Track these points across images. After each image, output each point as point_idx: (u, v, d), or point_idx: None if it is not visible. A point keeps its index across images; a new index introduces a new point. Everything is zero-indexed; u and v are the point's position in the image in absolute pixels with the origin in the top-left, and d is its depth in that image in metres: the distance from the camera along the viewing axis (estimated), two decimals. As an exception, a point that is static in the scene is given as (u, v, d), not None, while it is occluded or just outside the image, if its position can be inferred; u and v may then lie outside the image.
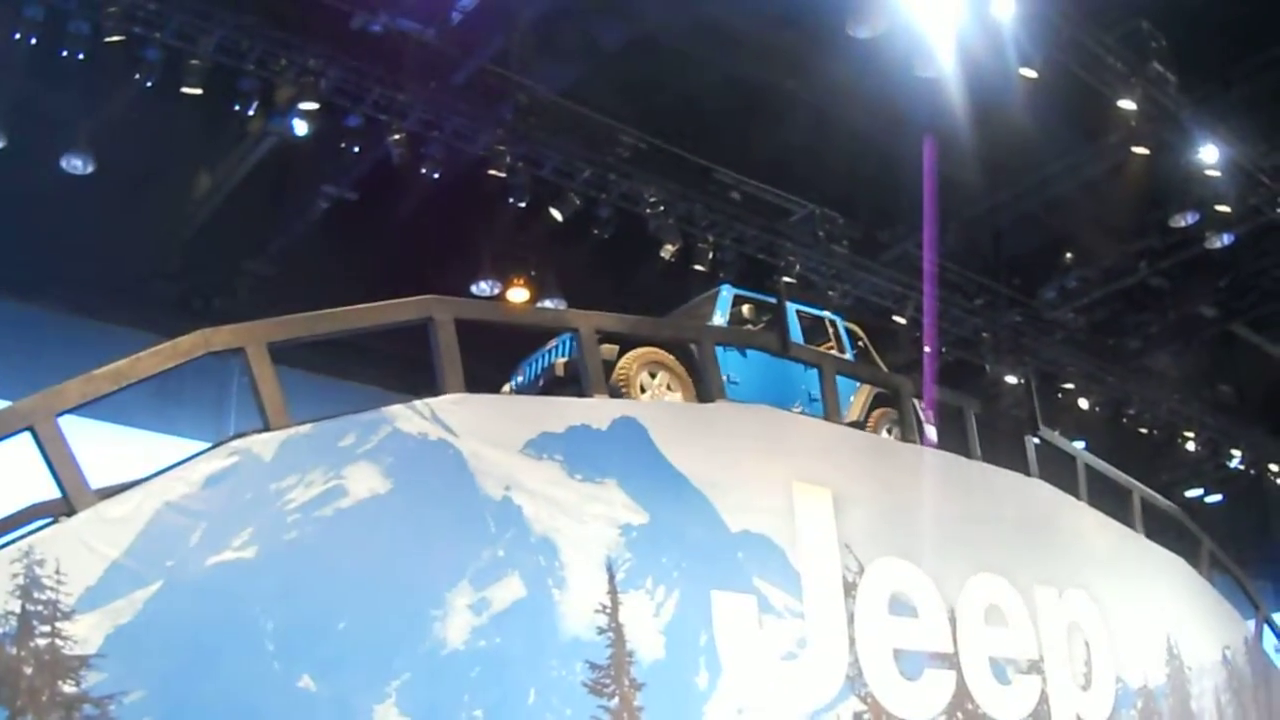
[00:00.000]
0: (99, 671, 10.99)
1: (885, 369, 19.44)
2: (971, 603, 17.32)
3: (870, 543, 16.52)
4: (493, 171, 23.33)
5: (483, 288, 25.66)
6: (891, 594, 16.51)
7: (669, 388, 16.11)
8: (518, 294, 26.09)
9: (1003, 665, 17.49)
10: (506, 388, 17.08)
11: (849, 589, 16.07)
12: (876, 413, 18.31)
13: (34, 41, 20.54)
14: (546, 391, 15.90)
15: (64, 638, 10.96)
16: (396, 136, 22.53)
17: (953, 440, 18.75)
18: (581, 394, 14.96)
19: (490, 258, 25.72)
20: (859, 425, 17.85)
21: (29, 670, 10.84)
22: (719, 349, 16.50)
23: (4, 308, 23.93)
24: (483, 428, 13.74)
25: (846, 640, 15.80)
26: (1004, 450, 19.60)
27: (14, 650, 10.81)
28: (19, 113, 22.72)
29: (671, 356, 16.26)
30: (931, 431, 18.59)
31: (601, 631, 13.80)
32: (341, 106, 22.33)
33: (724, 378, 16.32)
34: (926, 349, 27.88)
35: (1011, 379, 29.91)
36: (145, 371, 12.31)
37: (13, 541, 11.57)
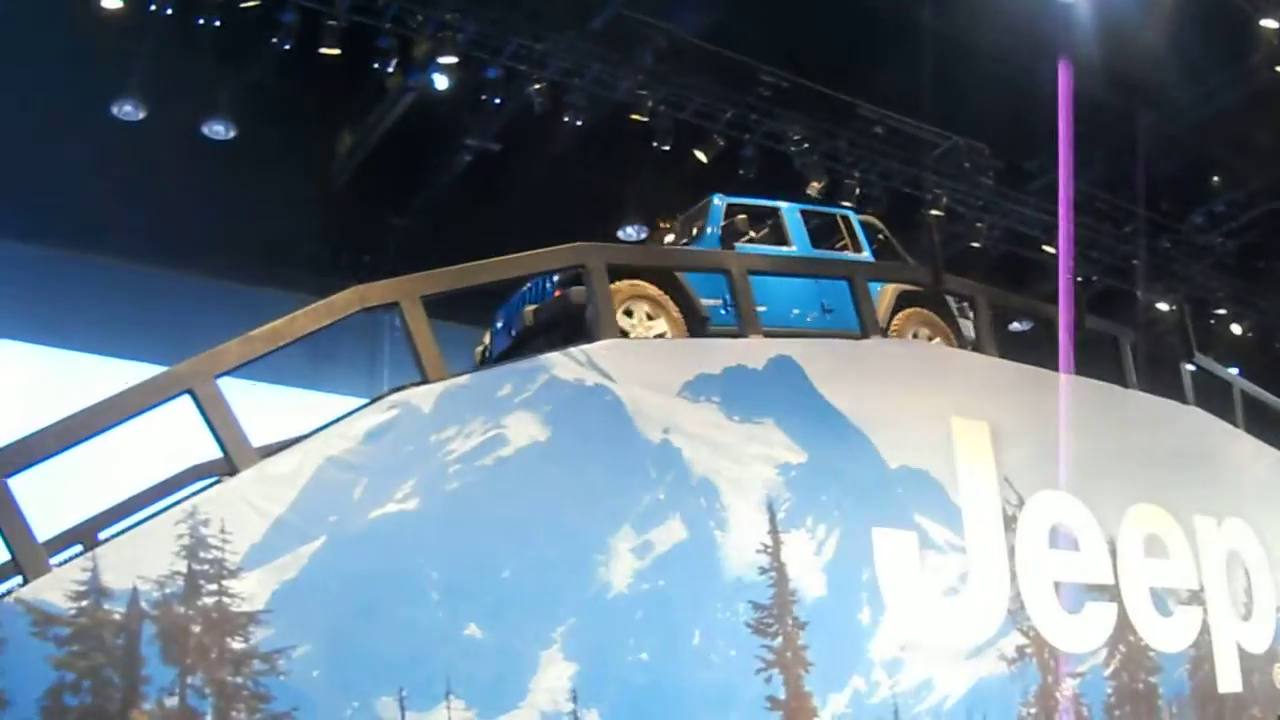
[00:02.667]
0: (266, 627, 11.21)
1: (910, 260, 18.41)
2: (1131, 534, 17.14)
3: (1029, 475, 16.38)
4: (635, 116, 23.31)
5: (629, 233, 25.56)
6: (1051, 526, 16.38)
7: (648, 316, 15.21)
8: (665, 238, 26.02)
9: (1163, 596, 17.31)
10: (480, 347, 16.84)
11: (1009, 522, 15.98)
12: (902, 314, 17.29)
13: (169, 11, 20.73)
14: (520, 345, 15.49)
15: (231, 595, 11.16)
16: (537, 86, 22.54)
17: (1105, 369, 18.41)
18: (553, 344, 14.37)
19: (635, 203, 25.66)
20: (881, 330, 16.80)
21: (197, 628, 11.04)
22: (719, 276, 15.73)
23: (155, 277, 24.24)
24: (639, 372, 13.78)
25: (1007, 574, 15.74)
26: (1157, 378, 19.28)
27: (182, 609, 11.01)
28: (158, 82, 22.95)
29: (654, 288, 15.34)
30: (967, 327, 17.81)
31: (763, 571, 13.83)
32: (480, 59, 22.36)
33: (722, 300, 15.74)
34: (1064, 276, 27.37)
35: (1164, 306, 29.43)
36: (302, 330, 12.44)
37: (176, 503, 11.76)
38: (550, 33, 22.54)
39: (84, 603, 10.76)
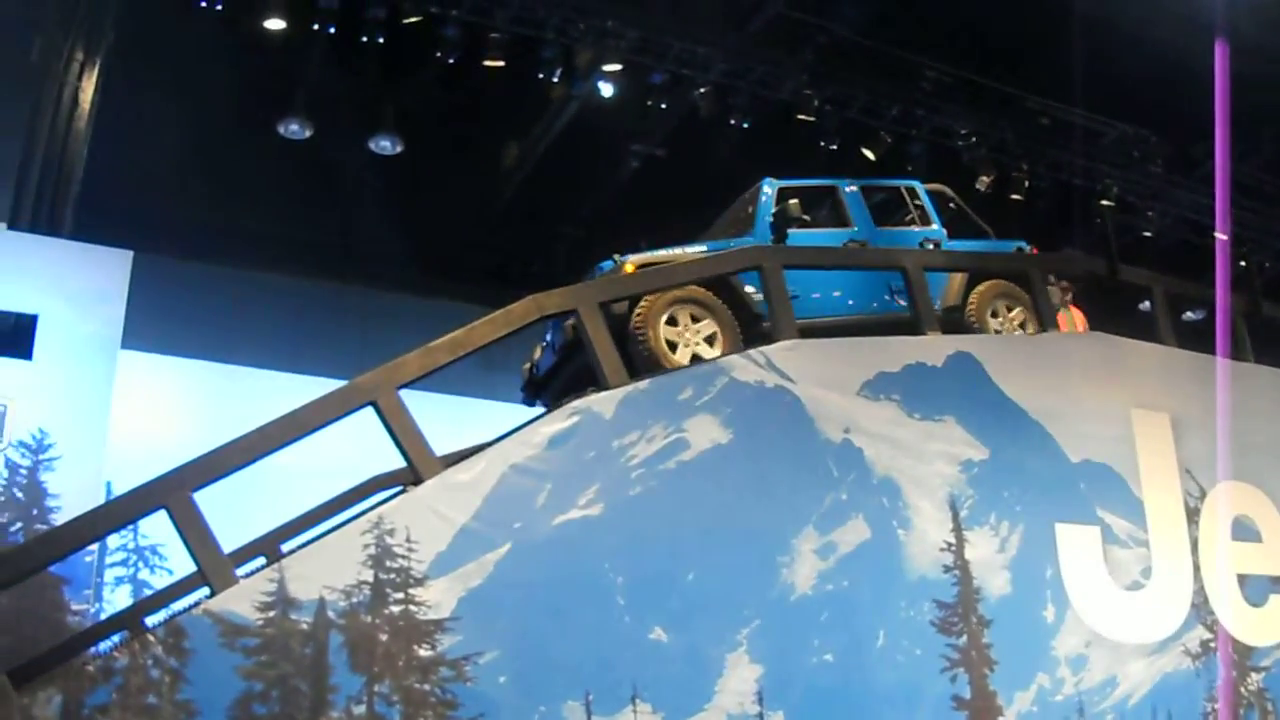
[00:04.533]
0: (453, 634, 11.26)
1: (985, 226, 17.83)
2: (1316, 525, 16.69)
3: (1210, 466, 16.00)
4: (801, 116, 23.21)
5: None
6: (1234, 518, 15.98)
7: (693, 319, 14.51)
8: (838, 237, 25.88)
9: (1352, 589, 16.84)
10: (527, 364, 16.32)
11: (1191, 515, 15.63)
12: (978, 290, 16.37)
13: (333, 30, 20.96)
14: (564, 360, 15.23)
15: (417, 603, 11.24)
16: (701, 90, 22.55)
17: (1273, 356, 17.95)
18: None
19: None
20: (957, 309, 16.19)
21: (384, 637, 11.13)
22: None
23: (328, 291, 24.54)
24: (818, 372, 13.69)
25: (1191, 567, 15.38)
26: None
27: (369, 618, 11.11)
28: (324, 101, 23.24)
29: (700, 289, 14.57)
30: (1053, 294, 16.92)
31: (947, 570, 13.68)
32: (644, 65, 22.40)
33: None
34: (1221, 261, 26.74)
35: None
36: (481, 340, 12.51)
37: (361, 513, 11.86)
38: (711, 36, 22.53)
39: (271, 613, 10.88)
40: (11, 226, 19.64)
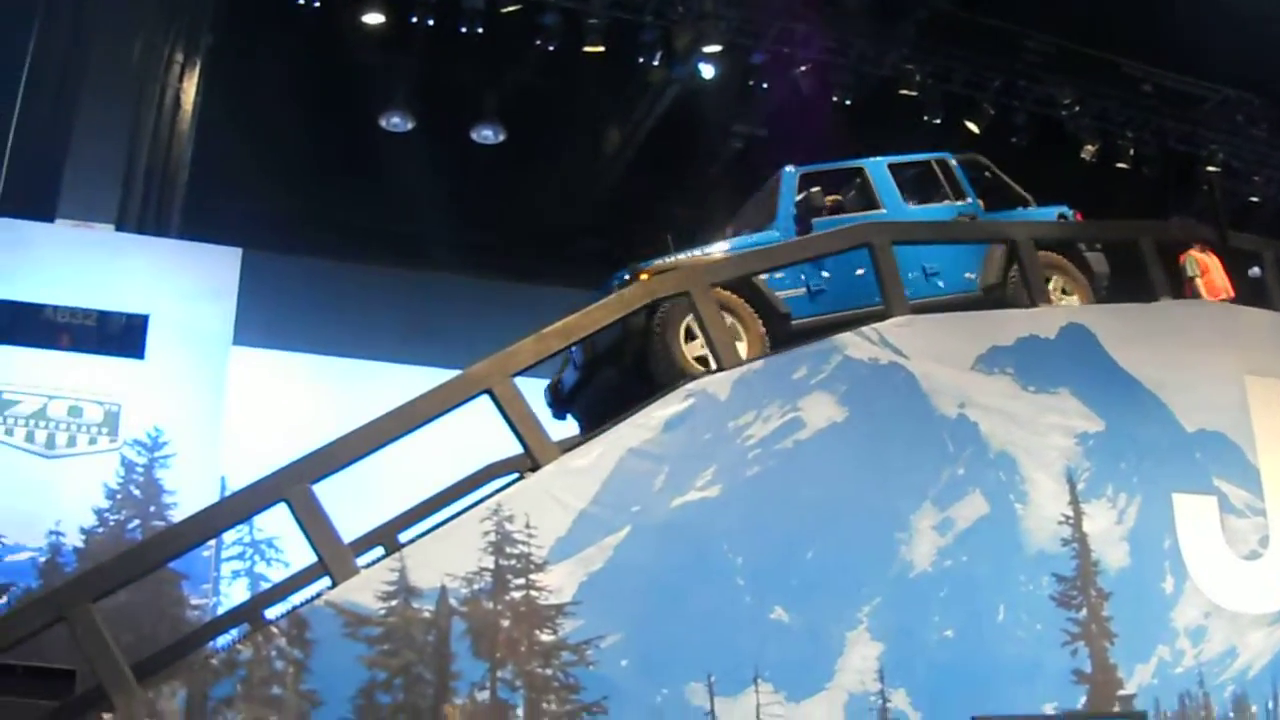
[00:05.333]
0: (574, 619, 11.30)
1: (1023, 193, 17.21)
2: None
3: (1326, 431, 15.80)
4: (903, 91, 23.11)
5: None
6: (1351, 484, 15.78)
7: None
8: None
9: None
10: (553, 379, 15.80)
11: (1308, 481, 15.42)
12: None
13: (431, 23, 21.04)
14: (588, 377, 14.86)
15: (538, 589, 11.28)
16: (802, 68, 22.48)
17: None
18: (623, 371, 14.10)
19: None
20: (997, 286, 15.62)
21: (506, 623, 11.18)
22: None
23: (437, 281, 24.63)
24: (931, 347, 13.64)
25: (1308, 536, 15.20)
26: None
27: (490, 605, 11.16)
28: (425, 93, 23.33)
29: (721, 291, 13.74)
30: (1098, 260, 16.55)
31: (1065, 543, 13.60)
32: (744, 45, 22.39)
33: (805, 289, 14.83)
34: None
35: None
36: (593, 325, 12.56)
37: (479, 501, 11.91)
38: (811, 14, 22.44)
39: (394, 602, 10.96)
40: (119, 228, 19.82)
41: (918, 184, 16.67)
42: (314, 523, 11.11)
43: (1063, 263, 16.05)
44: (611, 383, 14.30)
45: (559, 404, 15.52)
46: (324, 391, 22.98)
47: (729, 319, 13.80)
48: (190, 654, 14.66)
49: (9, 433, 17.40)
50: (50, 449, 17.47)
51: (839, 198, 16.12)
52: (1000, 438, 13.61)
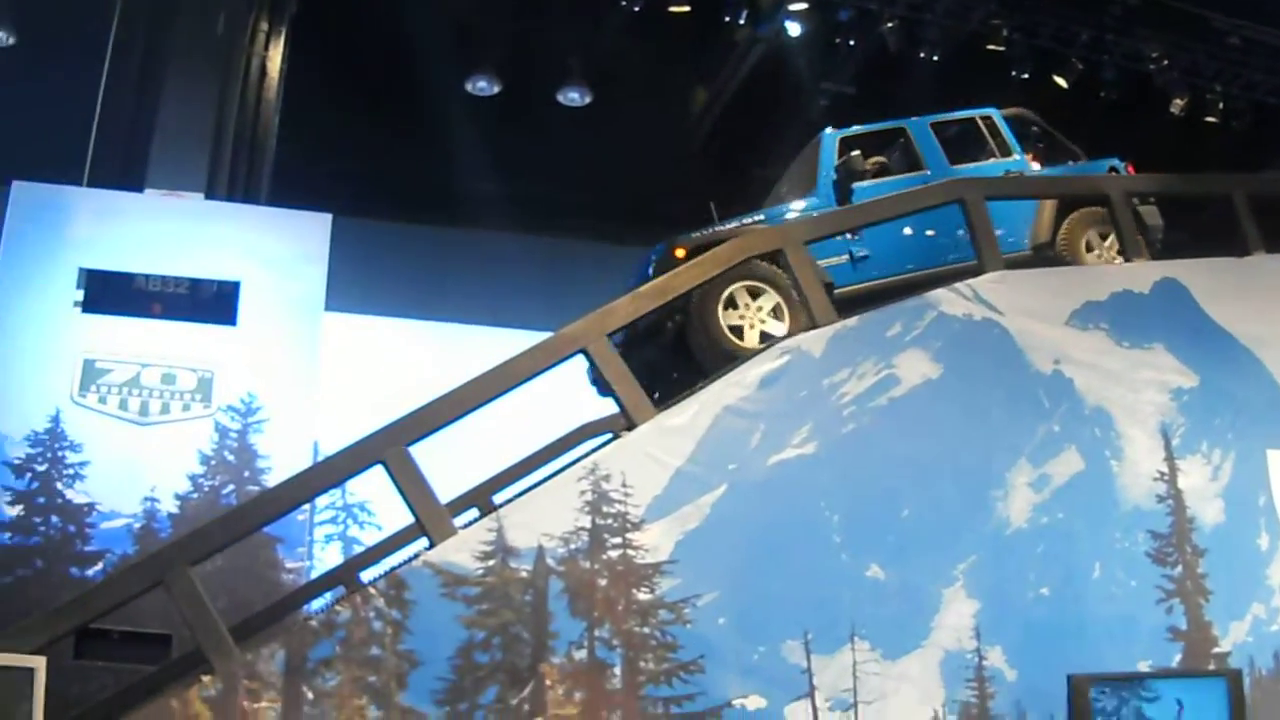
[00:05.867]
0: (671, 577, 11.37)
1: (1073, 147, 17.00)
2: None
3: None
4: (990, 46, 22.93)
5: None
6: None
7: (752, 295, 13.91)
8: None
9: None
10: None
11: (1402, 438, 15.23)
12: (1069, 220, 15.54)
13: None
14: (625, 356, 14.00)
15: (635, 547, 11.34)
16: (889, 24, 22.36)
17: None
18: (661, 349, 14.18)
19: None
20: (1048, 245, 15.44)
21: (603, 582, 11.26)
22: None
23: (526, 243, 24.65)
24: (1026, 303, 13.59)
25: (1403, 490, 15.02)
26: None
27: (587, 564, 11.23)
28: (513, 55, 23.35)
29: (763, 262, 13.68)
30: (1150, 214, 16.00)
31: (1160, 499, 13.52)
32: (830, 2, 22.31)
33: (848, 255, 14.81)
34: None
35: None
36: (687, 284, 12.64)
37: (575, 461, 11.95)
38: (896, -32, 22.37)
39: (491, 562, 11.04)
40: (208, 196, 19.92)
41: (963, 142, 16.52)
42: (411, 484, 11.19)
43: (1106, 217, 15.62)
44: (653, 360, 14.29)
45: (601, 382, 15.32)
46: (414, 355, 23.09)
47: (772, 296, 13.85)
48: (286, 617, 14.82)
49: (102, 401, 17.53)
50: (144, 416, 17.59)
51: (883, 159, 15.97)
52: (1095, 393, 13.53)
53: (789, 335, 13.12)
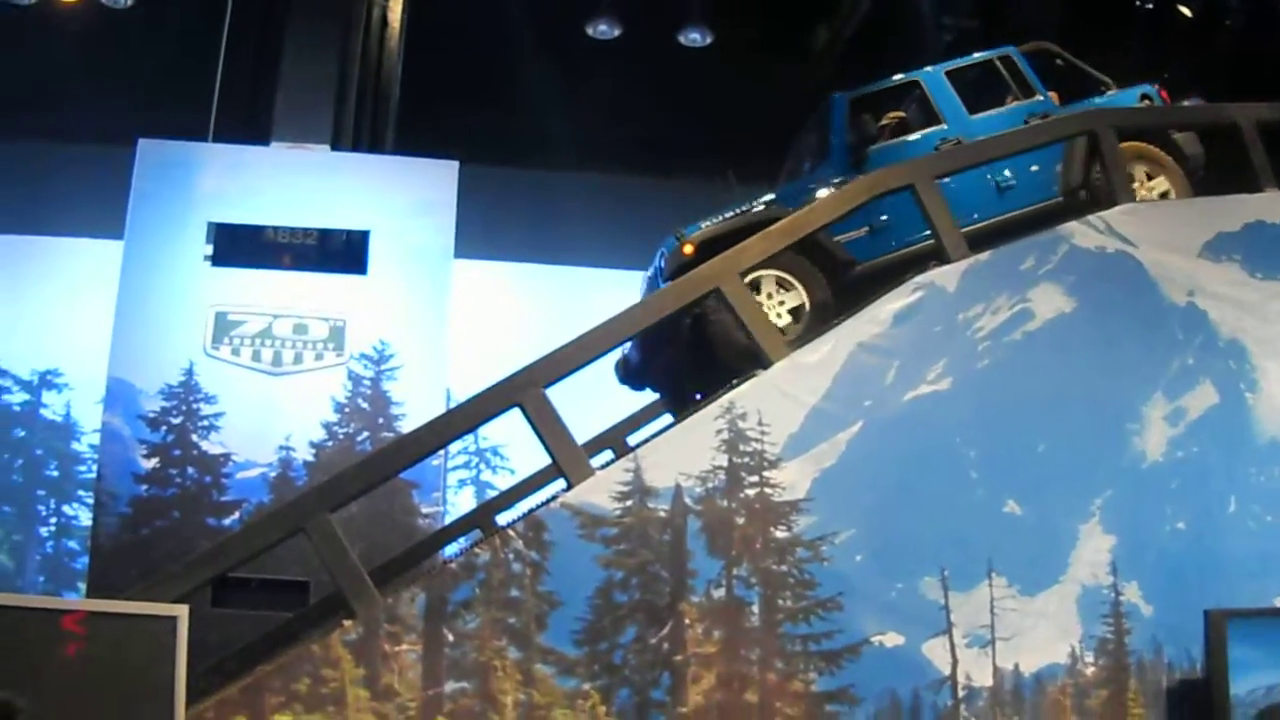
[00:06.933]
0: (808, 515, 11.43)
1: (1102, 77, 16.02)
2: None
3: None
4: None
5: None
6: None
7: (781, 287, 13.51)
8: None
9: None
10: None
11: None
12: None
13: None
14: (650, 358, 14.64)
15: (772, 485, 11.40)
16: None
17: None
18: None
19: (1120, 68, 24.97)
20: (1079, 189, 14.46)
21: (740, 520, 11.34)
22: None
23: (649, 186, 24.64)
24: (1158, 235, 13.40)
25: None
26: None
27: (724, 502, 11.32)
28: (633, -1, 23.40)
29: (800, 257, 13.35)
30: (1188, 141, 15.32)
31: (1296, 432, 13.29)
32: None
33: (868, 227, 14.04)
34: None
35: None
36: (820, 221, 12.66)
37: (710, 400, 11.98)
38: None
39: (629, 502, 11.15)
40: (334, 148, 20.12)
41: (982, 87, 15.57)
42: (548, 426, 11.29)
43: (1145, 149, 14.97)
44: (675, 358, 14.16)
45: (630, 378, 15.30)
46: (542, 300, 23.26)
47: (799, 295, 13.48)
48: (422, 561, 14.98)
49: (235, 353, 17.81)
50: (277, 366, 17.86)
51: (903, 115, 15.35)
52: (1229, 326, 13.29)
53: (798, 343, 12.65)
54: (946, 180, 13.40)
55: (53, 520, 22.71)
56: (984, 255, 12.75)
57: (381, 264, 18.27)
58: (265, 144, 19.88)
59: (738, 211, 14.26)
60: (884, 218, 13.96)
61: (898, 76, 15.54)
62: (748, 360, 12.25)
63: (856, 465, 11.61)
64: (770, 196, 14.63)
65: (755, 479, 11.36)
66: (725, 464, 11.34)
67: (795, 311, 13.50)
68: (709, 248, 13.19)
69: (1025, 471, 12.13)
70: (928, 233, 13.28)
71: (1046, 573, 11.95)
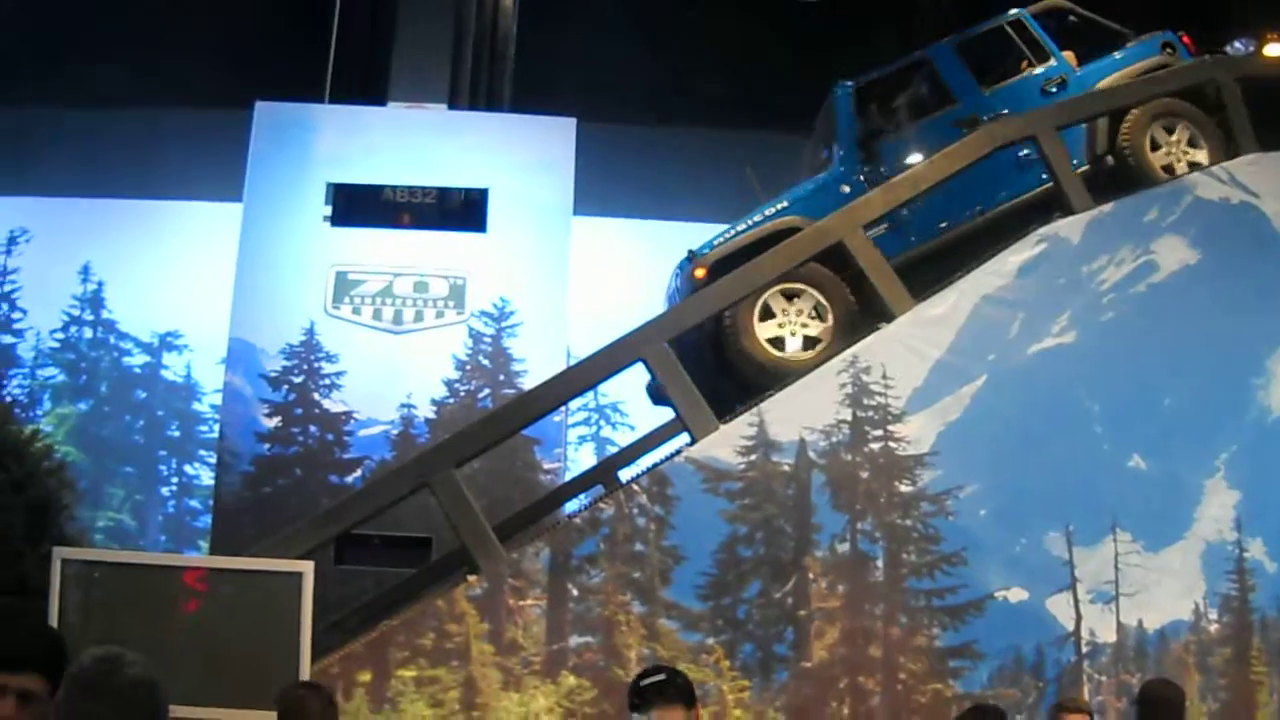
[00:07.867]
0: (932, 469, 11.46)
1: (1120, 29, 15.28)
2: None
3: None
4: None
5: (1236, 48, 24.50)
6: None
7: (787, 297, 12.93)
8: (1274, 48, 24.75)
9: None
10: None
11: None
12: (1131, 117, 13.74)
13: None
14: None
15: (896, 439, 11.44)
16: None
17: None
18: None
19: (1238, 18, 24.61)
20: (1106, 153, 13.88)
21: (865, 474, 11.38)
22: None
23: (766, 141, 24.52)
24: (1281, 186, 13.26)
25: None
26: None
27: (849, 456, 11.35)
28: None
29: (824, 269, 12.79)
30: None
31: None
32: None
33: (885, 225, 13.17)
34: None
35: None
36: (940, 174, 12.60)
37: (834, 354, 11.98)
38: None
39: (753, 457, 11.20)
40: (451, 107, 20.19)
41: (995, 57, 15.01)
42: (672, 379, 11.39)
43: (1183, 107, 14.18)
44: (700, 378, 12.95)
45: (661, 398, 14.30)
46: (661, 257, 23.23)
47: (811, 295, 12.89)
48: (544, 517, 15.07)
49: (356, 312, 17.90)
50: (398, 324, 17.93)
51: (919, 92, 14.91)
52: (1354, 278, 13.14)
53: (828, 341, 12.65)
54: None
55: (174, 480, 22.93)
56: (1107, 207, 12.63)
57: (500, 221, 18.27)
58: (382, 104, 19.97)
59: (749, 224, 13.90)
60: (904, 213, 13.27)
61: (904, 59, 15.36)
62: (767, 376, 12.24)
63: (981, 419, 11.62)
64: (783, 204, 13.98)
65: (879, 433, 11.39)
66: (849, 418, 11.38)
67: (816, 309, 12.89)
68: (721, 265, 13.00)
69: (1150, 426, 12.05)
70: (944, 226, 13.44)
71: (1171, 528, 11.89)
